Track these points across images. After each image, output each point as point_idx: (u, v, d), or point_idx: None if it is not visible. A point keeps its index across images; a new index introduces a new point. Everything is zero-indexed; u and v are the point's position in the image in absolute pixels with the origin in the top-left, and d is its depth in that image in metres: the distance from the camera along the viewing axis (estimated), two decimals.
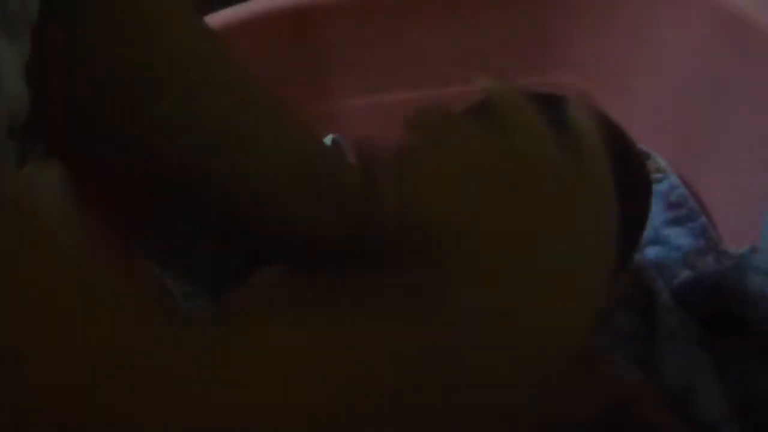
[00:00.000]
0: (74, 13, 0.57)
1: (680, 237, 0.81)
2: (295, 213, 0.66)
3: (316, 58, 0.91)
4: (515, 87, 0.52)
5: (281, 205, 0.66)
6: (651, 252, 0.79)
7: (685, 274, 0.76)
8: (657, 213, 0.81)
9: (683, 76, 0.86)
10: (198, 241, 0.72)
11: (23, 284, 0.28)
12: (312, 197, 0.66)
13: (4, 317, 0.26)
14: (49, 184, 0.62)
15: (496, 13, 0.91)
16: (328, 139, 0.88)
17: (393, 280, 0.45)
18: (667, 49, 0.87)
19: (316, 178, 0.67)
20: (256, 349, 0.36)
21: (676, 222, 0.82)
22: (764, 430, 0.65)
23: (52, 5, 0.54)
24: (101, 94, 0.60)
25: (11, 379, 0.26)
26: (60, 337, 0.28)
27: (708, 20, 0.84)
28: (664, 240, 0.81)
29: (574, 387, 0.48)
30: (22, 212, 0.31)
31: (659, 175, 0.84)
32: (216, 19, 0.85)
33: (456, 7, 0.91)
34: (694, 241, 0.80)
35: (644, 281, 0.73)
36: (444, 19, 0.92)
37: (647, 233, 0.78)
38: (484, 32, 0.91)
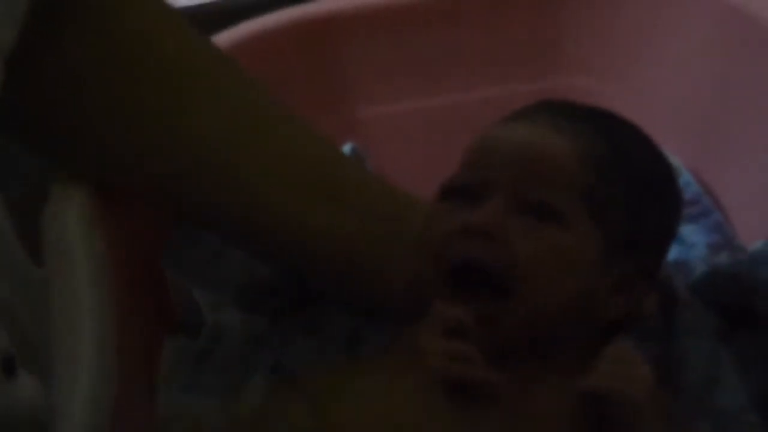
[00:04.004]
0: (63, 35, 0.57)
1: (695, 234, 0.82)
2: (314, 224, 0.67)
3: (335, 67, 0.92)
4: None
5: (294, 214, 0.66)
6: None
7: (701, 269, 0.76)
8: None
9: (693, 74, 0.87)
10: (225, 250, 0.72)
11: None
12: (327, 205, 0.67)
13: None
14: (74, 207, 0.62)
15: (507, 18, 0.93)
16: (347, 148, 0.89)
17: None
18: (676, 47, 0.88)
19: (331, 186, 0.68)
20: None
21: (690, 219, 0.83)
22: None
23: (39, 29, 0.55)
24: (97, 114, 0.61)
25: None
26: None
27: (713, 17, 0.85)
28: (680, 238, 0.82)
29: None
30: None
31: None
32: (239, 30, 0.86)
33: (467, 14, 0.93)
34: (709, 237, 0.81)
35: (662, 279, 0.74)
36: (456, 25, 0.93)
37: None
38: (496, 38, 0.93)
